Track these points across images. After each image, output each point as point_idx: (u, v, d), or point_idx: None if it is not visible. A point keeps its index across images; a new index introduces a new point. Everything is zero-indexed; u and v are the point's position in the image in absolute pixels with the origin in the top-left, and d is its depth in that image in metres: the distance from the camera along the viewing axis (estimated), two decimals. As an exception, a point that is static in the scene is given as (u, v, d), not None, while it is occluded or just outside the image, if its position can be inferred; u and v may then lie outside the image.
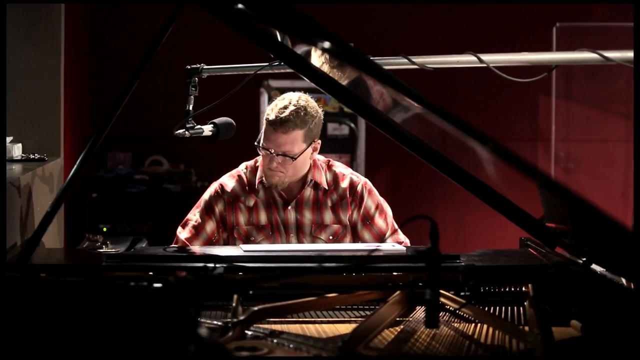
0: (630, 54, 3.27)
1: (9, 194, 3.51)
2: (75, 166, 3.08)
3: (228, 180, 3.95)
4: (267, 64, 3.66)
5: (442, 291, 2.83)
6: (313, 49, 3.47)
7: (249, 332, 2.60)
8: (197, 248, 3.70)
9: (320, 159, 3.99)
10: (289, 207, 3.88)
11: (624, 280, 2.86)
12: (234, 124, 3.82)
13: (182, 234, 3.88)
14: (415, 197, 7.10)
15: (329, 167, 3.98)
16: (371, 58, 3.27)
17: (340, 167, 4.00)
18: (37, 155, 4.47)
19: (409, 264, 2.98)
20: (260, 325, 2.66)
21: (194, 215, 3.92)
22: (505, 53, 3.48)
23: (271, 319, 2.77)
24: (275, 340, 2.53)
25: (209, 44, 6.74)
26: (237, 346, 2.48)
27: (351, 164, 6.86)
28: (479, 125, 2.60)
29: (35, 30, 4.86)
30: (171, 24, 3.20)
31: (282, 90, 6.87)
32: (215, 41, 6.66)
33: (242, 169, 3.98)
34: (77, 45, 6.31)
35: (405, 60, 3.47)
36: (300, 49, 3.35)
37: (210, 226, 3.90)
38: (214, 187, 3.97)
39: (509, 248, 3.47)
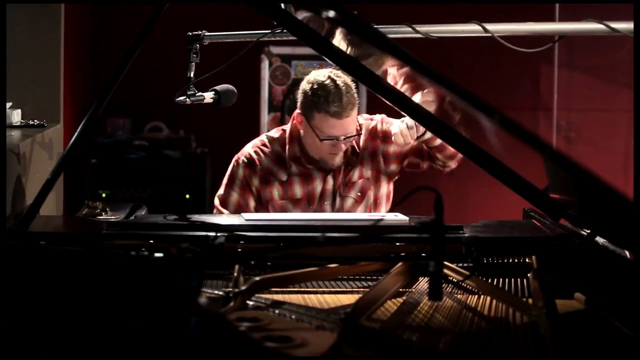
0: (637, 25, 3.23)
1: (8, 161, 3.48)
2: (75, 134, 3.06)
3: (256, 154, 3.90)
4: (269, 31, 3.62)
5: (445, 263, 2.82)
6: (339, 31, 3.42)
7: (250, 303, 2.59)
8: (197, 216, 3.67)
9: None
10: (329, 176, 3.87)
11: (627, 253, 2.84)
12: (235, 91, 3.78)
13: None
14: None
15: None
16: (375, 26, 3.23)
17: (363, 119, 4.04)
18: (36, 122, 4.43)
19: (412, 234, 2.94)
20: (262, 296, 2.65)
21: (234, 193, 3.89)
22: (508, 23, 3.44)
23: (273, 289, 2.75)
24: (276, 311, 2.52)
25: (211, 11, 6.68)
26: (238, 317, 2.47)
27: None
28: (481, 94, 2.57)
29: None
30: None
31: (283, 57, 6.89)
32: (216, 8, 6.61)
33: (266, 140, 3.94)
34: (78, 10, 6.26)
35: (410, 29, 3.43)
36: (302, 15, 3.31)
37: (252, 204, 3.89)
38: (243, 162, 3.91)
39: (511, 219, 3.45)
